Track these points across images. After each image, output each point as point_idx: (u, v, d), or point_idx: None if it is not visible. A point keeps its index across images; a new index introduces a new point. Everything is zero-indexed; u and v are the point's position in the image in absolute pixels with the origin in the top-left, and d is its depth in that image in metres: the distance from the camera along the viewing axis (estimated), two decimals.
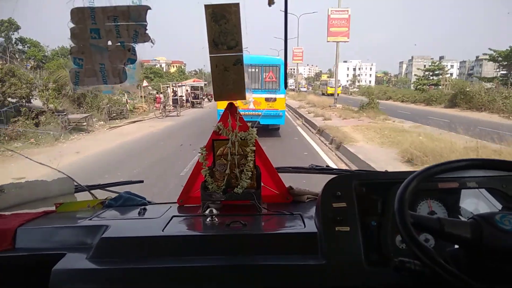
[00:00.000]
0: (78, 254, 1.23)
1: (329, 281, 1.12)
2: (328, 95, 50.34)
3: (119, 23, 1.35)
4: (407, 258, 0.99)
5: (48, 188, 1.67)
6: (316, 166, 1.86)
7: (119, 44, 1.38)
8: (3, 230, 1.35)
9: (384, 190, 1.23)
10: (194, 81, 37.39)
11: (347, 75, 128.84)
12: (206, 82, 36.21)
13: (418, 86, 50.42)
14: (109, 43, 1.38)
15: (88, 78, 1.42)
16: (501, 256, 0.90)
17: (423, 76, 54.80)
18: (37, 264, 1.23)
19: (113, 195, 1.71)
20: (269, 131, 13.27)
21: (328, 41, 24.48)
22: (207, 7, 1.35)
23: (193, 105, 31.86)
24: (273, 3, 1.31)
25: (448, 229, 0.94)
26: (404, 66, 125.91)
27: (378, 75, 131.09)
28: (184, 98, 30.39)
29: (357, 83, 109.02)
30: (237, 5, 1.35)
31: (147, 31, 1.37)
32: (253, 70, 12.47)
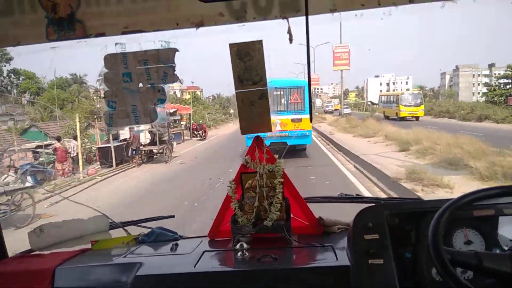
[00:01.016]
0: None
1: None
2: (399, 119, 34.00)
3: (149, 66, 1.43)
4: None
5: (84, 227, 1.72)
6: (346, 195, 1.83)
7: (149, 86, 1.45)
8: (43, 270, 1.39)
9: (417, 220, 1.20)
10: (173, 108, 23.83)
11: (380, 90, 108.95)
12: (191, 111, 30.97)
13: (493, 98, 41.52)
14: (140, 85, 1.46)
15: (121, 119, 1.49)
16: None
17: (495, 85, 46.11)
18: None
19: (146, 231, 1.74)
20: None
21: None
22: (231, 46, 1.40)
23: (149, 158, 16.11)
24: (292, 39, 1.36)
25: (486, 264, 0.92)
26: (448, 77, 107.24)
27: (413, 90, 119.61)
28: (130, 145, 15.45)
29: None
30: (260, 42, 1.40)
31: (175, 72, 1.44)
32: (279, 93, 13.06)
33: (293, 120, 12.95)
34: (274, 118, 12.53)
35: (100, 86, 1.47)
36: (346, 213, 1.59)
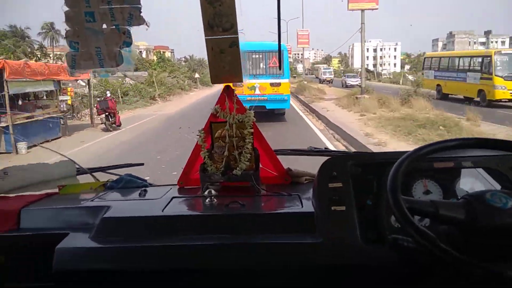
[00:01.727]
0: (81, 234, 1.27)
1: (326, 258, 1.14)
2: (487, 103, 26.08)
3: (113, 6, 1.34)
4: (401, 236, 1.01)
5: (51, 171, 1.70)
6: (315, 148, 1.86)
7: (114, 27, 1.37)
8: (8, 211, 1.39)
9: (379, 170, 1.23)
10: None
11: (367, 57, 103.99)
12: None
13: None
14: (104, 26, 1.38)
15: (85, 61, 1.42)
16: (494, 233, 0.92)
17: None
18: (41, 244, 1.26)
19: (115, 178, 1.74)
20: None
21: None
22: None
23: None
24: None
25: (442, 211, 0.95)
26: (440, 44, 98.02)
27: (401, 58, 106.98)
28: None
29: (379, 68, 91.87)
30: None
31: (141, 14, 1.36)
32: (257, 56, 12.86)
33: (271, 84, 12.86)
34: (253, 81, 12.62)
35: (44, 41, 1.35)
36: (314, 165, 1.62)
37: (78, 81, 19.81)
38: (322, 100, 21.88)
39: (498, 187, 1.25)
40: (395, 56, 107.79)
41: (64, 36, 1.39)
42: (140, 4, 1.34)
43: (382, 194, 1.20)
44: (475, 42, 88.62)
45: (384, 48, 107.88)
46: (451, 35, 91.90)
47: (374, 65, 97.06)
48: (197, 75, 43.05)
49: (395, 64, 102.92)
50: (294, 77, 53.86)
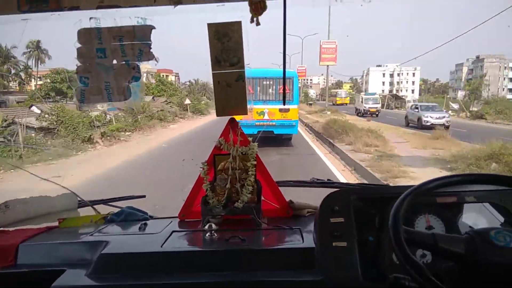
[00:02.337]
0: (78, 270, 1.24)
1: None
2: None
3: (124, 43, 1.40)
4: (402, 275, 1.00)
5: (51, 204, 1.69)
6: (318, 179, 1.88)
7: (124, 62, 1.43)
8: (6, 246, 1.36)
9: (381, 205, 1.24)
10: None
11: (383, 82, 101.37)
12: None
13: None
14: (114, 61, 1.43)
15: (94, 96, 1.46)
16: (495, 271, 0.91)
17: None
18: (37, 281, 1.24)
19: (116, 210, 1.73)
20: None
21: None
22: (210, 25, 1.40)
23: None
24: (259, 24, 1.35)
25: (442, 244, 0.95)
26: (465, 69, 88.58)
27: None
28: None
29: (395, 92, 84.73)
30: (239, 23, 1.40)
31: (151, 50, 1.42)
32: (267, 82, 13.38)
33: (280, 110, 13.12)
34: (262, 107, 13.07)
35: (29, 60, 1.38)
36: (318, 198, 1.63)
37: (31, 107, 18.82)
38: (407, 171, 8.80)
39: (501, 221, 1.25)
40: (413, 82, 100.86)
41: (75, 71, 1.44)
42: (150, 40, 1.41)
43: (384, 230, 1.20)
44: (505, 67, 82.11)
45: (402, 73, 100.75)
46: (478, 60, 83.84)
47: (390, 91, 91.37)
48: (187, 101, 34.43)
49: (413, 90, 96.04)
50: (310, 104, 50.79)
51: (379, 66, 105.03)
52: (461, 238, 0.98)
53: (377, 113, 35.87)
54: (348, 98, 67.91)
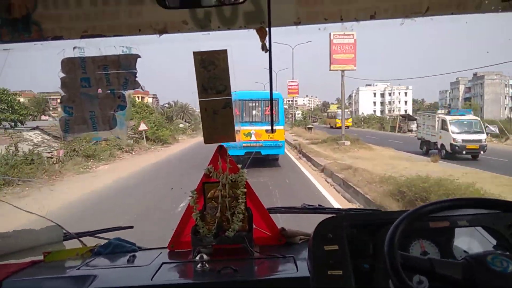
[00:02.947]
0: None
1: None
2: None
3: (109, 72, 1.38)
4: None
5: (36, 237, 1.64)
6: (309, 205, 1.85)
7: (109, 91, 1.41)
8: None
9: (375, 231, 1.22)
10: None
11: (374, 102, 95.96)
12: None
13: None
14: (99, 91, 1.41)
15: (78, 125, 1.44)
16: None
17: None
18: None
19: (103, 242, 1.68)
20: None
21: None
22: (195, 54, 1.39)
23: None
24: (267, 50, 1.34)
25: (439, 270, 0.94)
26: (462, 87, 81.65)
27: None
28: None
29: (387, 112, 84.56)
30: (225, 51, 1.40)
31: (137, 78, 1.41)
32: (254, 104, 13.66)
33: (267, 131, 13.37)
34: (249, 128, 13.27)
35: None
36: (309, 224, 1.60)
37: None
38: None
39: (494, 244, 1.25)
40: (405, 102, 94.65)
41: (59, 101, 1.42)
42: (135, 69, 1.39)
43: (378, 256, 1.18)
44: (506, 85, 75.20)
45: (393, 93, 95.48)
46: (477, 77, 76.12)
47: (382, 111, 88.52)
48: (142, 127, 24.48)
49: (405, 110, 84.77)
50: (310, 128, 37.47)
51: (369, 85, 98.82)
52: (458, 263, 0.97)
53: (480, 152, 19.31)
54: (351, 119, 56.84)
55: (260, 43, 1.33)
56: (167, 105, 61.47)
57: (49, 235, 1.65)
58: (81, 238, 1.71)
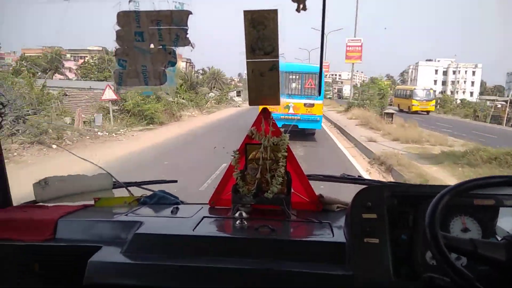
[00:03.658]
0: (113, 248, 1.30)
1: None
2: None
3: (162, 27, 1.41)
4: (437, 274, 0.96)
5: (88, 183, 1.76)
6: (348, 175, 1.83)
7: (161, 47, 1.44)
8: (46, 221, 1.44)
9: (416, 203, 1.19)
10: None
11: (434, 81, 75.97)
12: None
13: None
14: (152, 45, 1.45)
15: (131, 79, 1.49)
16: None
17: None
18: (75, 255, 1.30)
19: (149, 193, 1.77)
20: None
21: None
22: (246, 13, 1.37)
23: None
24: (305, 9, 1.30)
25: (481, 251, 0.92)
26: None
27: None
28: None
29: (449, 94, 66.71)
30: (275, 11, 1.37)
31: (187, 35, 1.42)
32: (294, 77, 13.46)
33: (305, 105, 13.37)
34: (288, 101, 13.04)
35: None
36: (347, 194, 1.59)
37: None
38: None
39: None
40: (472, 82, 77.72)
41: (114, 53, 1.47)
42: (187, 26, 1.41)
43: (418, 229, 1.16)
44: None
45: (459, 71, 78.13)
46: None
47: (442, 92, 70.86)
48: (108, 94, 15.25)
49: (471, 93, 72.63)
50: (389, 115, 19.91)
51: (429, 60, 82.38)
52: (500, 244, 0.94)
53: None
54: (433, 101, 36.37)
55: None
56: (201, 71, 56.64)
57: (100, 182, 1.76)
58: (129, 188, 1.81)
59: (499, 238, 1.15)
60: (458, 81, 77.33)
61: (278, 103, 1.49)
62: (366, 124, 18.31)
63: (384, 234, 1.17)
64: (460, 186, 1.00)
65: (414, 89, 35.94)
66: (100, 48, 42.97)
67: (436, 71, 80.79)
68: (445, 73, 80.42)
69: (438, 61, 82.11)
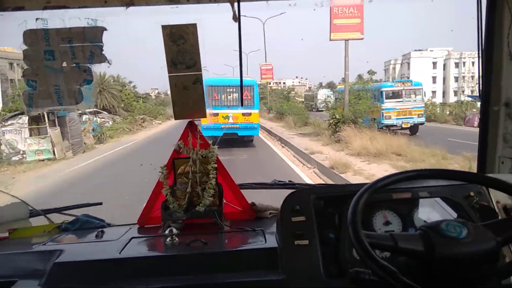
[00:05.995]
0: (30, 281, 1.19)
1: None
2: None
3: (74, 44, 1.34)
4: (363, 269, 1.02)
5: (1, 214, 1.60)
6: (279, 181, 1.88)
7: (74, 65, 1.37)
8: None
9: (340, 203, 1.26)
10: None
11: (433, 78, 59.40)
12: None
13: None
14: (64, 64, 1.37)
15: (43, 100, 1.39)
16: (453, 262, 0.94)
17: None
18: None
19: (71, 219, 1.66)
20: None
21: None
22: (164, 27, 1.36)
23: None
24: (237, 19, 1.33)
25: (401, 244, 0.97)
26: None
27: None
28: None
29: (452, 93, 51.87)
30: (194, 25, 1.38)
31: (103, 52, 1.37)
32: (231, 90, 15.36)
33: (243, 114, 15.11)
34: (227, 111, 14.97)
35: None
36: (280, 199, 1.63)
37: None
38: None
39: (454, 215, 1.30)
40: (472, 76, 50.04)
41: (22, 74, 1.37)
42: (102, 42, 1.36)
43: (343, 227, 1.23)
44: None
45: (464, 63, 55.24)
46: None
47: (444, 92, 56.69)
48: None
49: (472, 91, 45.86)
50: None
51: (419, 50, 62.11)
52: (416, 235, 1.00)
53: None
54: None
55: (230, 17, 1.32)
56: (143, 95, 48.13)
57: (14, 212, 1.61)
58: (48, 215, 1.68)
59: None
60: (463, 77, 53.18)
61: (204, 115, 1.49)
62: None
63: (313, 235, 1.22)
64: (376, 183, 1.07)
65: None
66: None
67: (434, 64, 60.78)
68: (444, 66, 60.99)
69: (431, 50, 61.77)
